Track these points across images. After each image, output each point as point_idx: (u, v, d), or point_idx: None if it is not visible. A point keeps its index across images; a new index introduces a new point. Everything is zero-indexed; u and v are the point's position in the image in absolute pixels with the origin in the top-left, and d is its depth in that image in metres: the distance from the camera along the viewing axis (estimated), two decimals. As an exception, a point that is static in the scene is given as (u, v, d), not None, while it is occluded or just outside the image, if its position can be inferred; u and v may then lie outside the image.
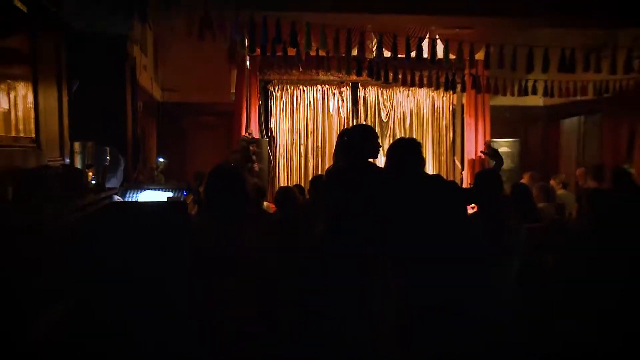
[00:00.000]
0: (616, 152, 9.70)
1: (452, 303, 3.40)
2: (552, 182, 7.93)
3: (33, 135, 3.67)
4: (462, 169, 11.14)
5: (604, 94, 8.49)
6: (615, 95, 8.53)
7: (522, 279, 3.64)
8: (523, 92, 8.62)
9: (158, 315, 3.30)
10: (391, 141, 10.95)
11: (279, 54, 6.86)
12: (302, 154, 11.03)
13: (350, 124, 10.92)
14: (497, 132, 11.01)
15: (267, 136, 10.66)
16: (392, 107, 11.31)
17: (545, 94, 8.72)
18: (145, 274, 3.61)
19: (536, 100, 10.32)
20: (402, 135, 11.10)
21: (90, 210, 3.57)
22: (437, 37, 7.88)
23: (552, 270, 4.43)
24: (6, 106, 3.25)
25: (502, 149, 10.66)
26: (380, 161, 3.94)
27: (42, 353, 2.58)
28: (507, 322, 3.54)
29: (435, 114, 11.37)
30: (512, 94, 8.79)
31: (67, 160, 4.30)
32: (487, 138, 10.88)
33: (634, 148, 9.32)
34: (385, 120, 11.29)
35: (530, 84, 8.44)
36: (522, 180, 7.92)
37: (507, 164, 10.29)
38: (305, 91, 11.07)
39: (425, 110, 11.33)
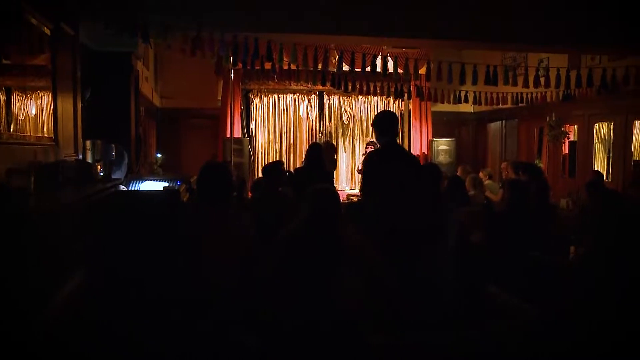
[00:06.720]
0: (529, 150, 9.97)
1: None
2: (480, 174, 8.09)
3: (52, 135, 3.66)
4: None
5: (520, 103, 8.66)
6: (528, 105, 8.73)
7: (455, 252, 3.70)
8: (457, 101, 8.72)
9: (156, 286, 3.25)
10: (352, 140, 11.18)
11: (258, 67, 6.88)
12: (277, 150, 11.03)
13: (317, 126, 11.10)
14: (437, 133, 11.17)
15: (248, 136, 10.63)
16: (352, 111, 11.37)
17: (474, 103, 8.84)
18: (144, 251, 3.57)
19: (468, 107, 10.49)
20: (360, 135, 11.26)
21: (98, 197, 3.54)
22: (388, 54, 7.97)
23: (480, 246, 4.54)
24: (34, 112, 3.24)
25: (441, 147, 10.87)
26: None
27: (56, 327, 2.49)
28: (445, 287, 3.59)
29: (387, 117, 11.43)
30: (449, 102, 8.88)
31: (80, 156, 4.28)
32: (430, 138, 11.02)
33: (542, 146, 9.60)
34: (346, 123, 11.35)
35: (462, 94, 8.55)
36: (457, 173, 8.07)
37: (444, 159, 10.59)
38: (280, 98, 11.06)
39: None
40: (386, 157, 4.21)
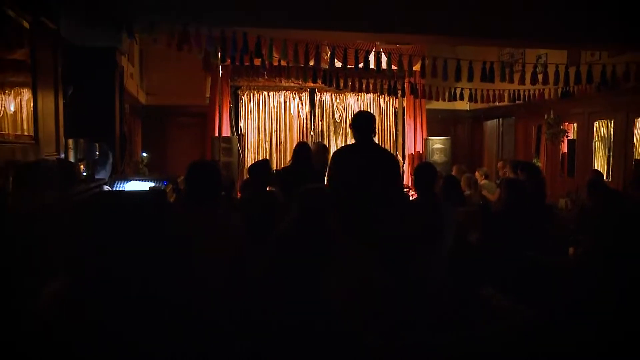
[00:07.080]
0: (527, 148, 10.01)
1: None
2: (476, 173, 8.09)
3: (32, 133, 3.61)
4: (404, 162, 11.25)
5: (517, 101, 8.70)
6: (526, 102, 8.76)
7: (451, 253, 3.70)
8: (452, 98, 8.74)
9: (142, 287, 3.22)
10: (344, 138, 11.16)
11: (247, 63, 6.83)
12: (267, 149, 10.99)
13: (309, 125, 11.06)
14: (432, 132, 11.18)
15: (237, 134, 10.58)
16: (344, 109, 11.36)
17: (470, 100, 8.87)
18: (129, 252, 3.53)
19: (463, 105, 10.53)
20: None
21: (81, 197, 3.49)
22: (381, 50, 7.95)
23: (476, 247, 4.54)
24: (12, 109, 3.19)
25: (436, 146, 10.87)
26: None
27: (41, 327, 2.49)
28: (441, 288, 3.59)
29: (381, 115, 11.45)
30: (444, 100, 8.91)
31: (62, 155, 4.23)
32: (424, 136, 11.02)
33: (540, 145, 9.63)
34: (338, 121, 11.34)
35: (458, 91, 8.57)
36: (452, 172, 8.07)
37: (440, 158, 10.60)
38: (270, 95, 11.02)
39: (372, 112, 11.38)
40: (351, 152, 4.35)
